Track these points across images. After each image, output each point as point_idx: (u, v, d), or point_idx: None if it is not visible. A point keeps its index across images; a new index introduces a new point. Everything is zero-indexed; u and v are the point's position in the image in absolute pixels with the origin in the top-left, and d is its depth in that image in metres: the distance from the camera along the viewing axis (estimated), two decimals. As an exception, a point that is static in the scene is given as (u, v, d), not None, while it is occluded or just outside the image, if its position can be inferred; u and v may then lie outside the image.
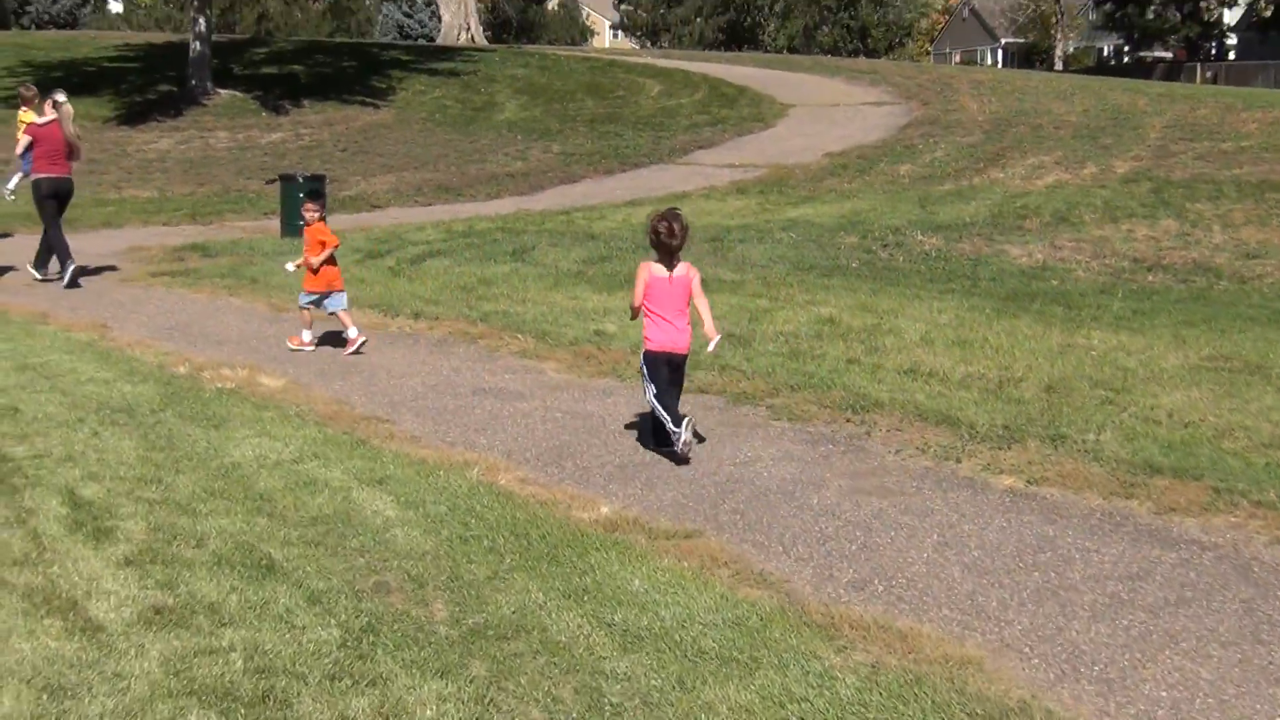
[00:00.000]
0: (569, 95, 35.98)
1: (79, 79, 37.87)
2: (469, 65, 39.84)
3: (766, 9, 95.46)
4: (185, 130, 32.07)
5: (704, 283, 9.03)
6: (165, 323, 13.39)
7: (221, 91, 35.50)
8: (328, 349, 12.06)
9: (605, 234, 19.27)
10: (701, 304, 8.74)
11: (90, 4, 74.22)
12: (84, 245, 19.14)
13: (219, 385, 10.40)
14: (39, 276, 16.18)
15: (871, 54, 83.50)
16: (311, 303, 12.09)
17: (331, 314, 12.16)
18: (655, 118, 32.95)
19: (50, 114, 16.21)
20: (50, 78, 37.74)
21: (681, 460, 8.35)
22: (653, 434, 8.75)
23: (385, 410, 9.87)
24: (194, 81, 35.46)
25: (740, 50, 75.43)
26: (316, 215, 12.10)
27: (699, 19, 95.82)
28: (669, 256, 8.56)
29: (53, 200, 16.25)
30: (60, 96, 16.36)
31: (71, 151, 16.45)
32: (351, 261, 16.83)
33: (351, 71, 39.15)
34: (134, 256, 17.96)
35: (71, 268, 15.77)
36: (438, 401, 10.15)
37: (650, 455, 8.64)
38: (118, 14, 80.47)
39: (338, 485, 7.81)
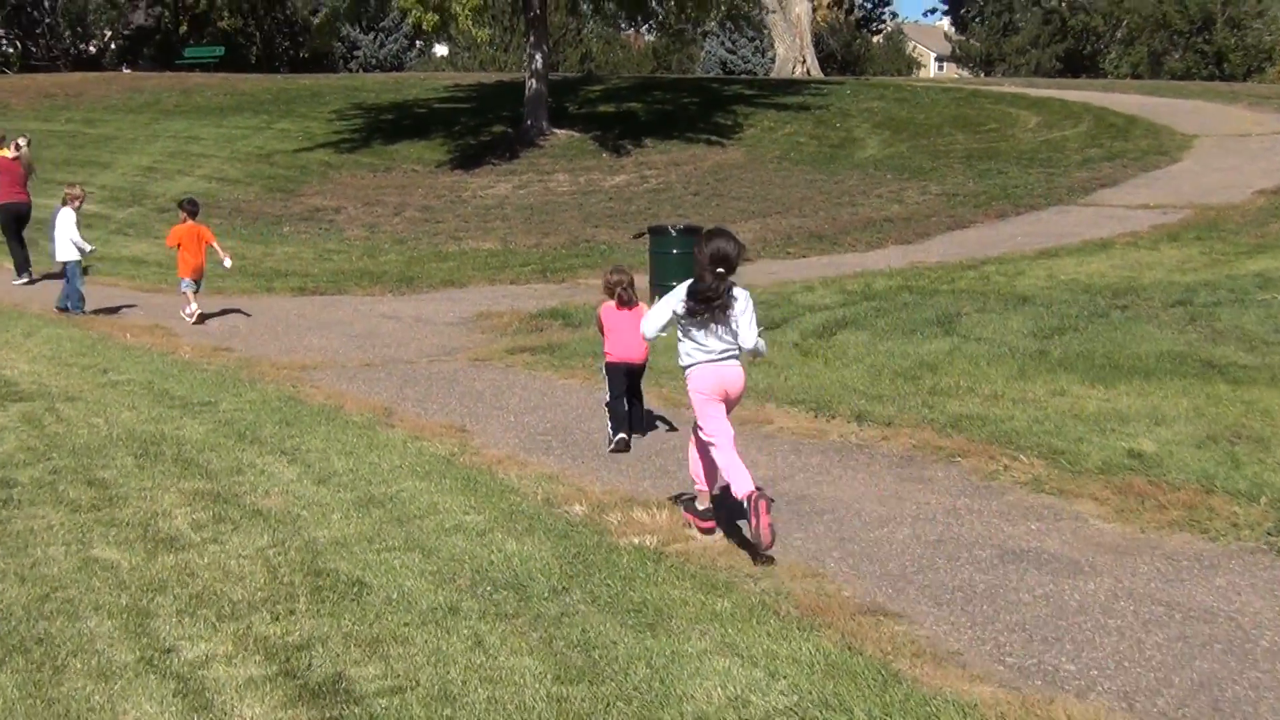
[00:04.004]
0: (935, 129, 32.42)
1: (410, 121, 36.23)
2: (818, 99, 36.64)
3: (1108, 35, 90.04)
4: (523, 174, 29.72)
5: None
6: (537, 425, 10.51)
7: (558, 131, 33.13)
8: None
9: (1038, 295, 15.75)
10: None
11: (416, 48, 74.03)
12: (427, 310, 16.67)
13: (634, 540, 7.35)
14: (19, 282, 19.63)
15: (1228, 79, 77.24)
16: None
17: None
18: (1039, 152, 29.14)
19: (14, 152, 20.02)
20: (381, 120, 36.24)
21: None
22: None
23: (886, 592, 6.66)
24: (529, 121, 33.17)
25: (1076, 78, 70.50)
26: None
27: (1034, 48, 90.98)
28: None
29: (14, 221, 19.80)
30: (22, 141, 20.44)
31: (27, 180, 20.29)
32: (744, 333, 13.77)
33: (693, 108, 36.36)
34: (484, 325, 15.28)
35: (28, 277, 19.81)
36: (954, 574, 6.89)
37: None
38: (442, 57, 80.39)
39: (890, 782, 4.63)
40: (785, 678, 5.51)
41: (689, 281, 7.32)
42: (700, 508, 7.65)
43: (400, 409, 11.05)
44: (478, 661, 5.70)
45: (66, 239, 16.54)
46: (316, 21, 43.04)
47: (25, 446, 9.52)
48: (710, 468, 7.55)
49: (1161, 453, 8.75)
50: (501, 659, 5.73)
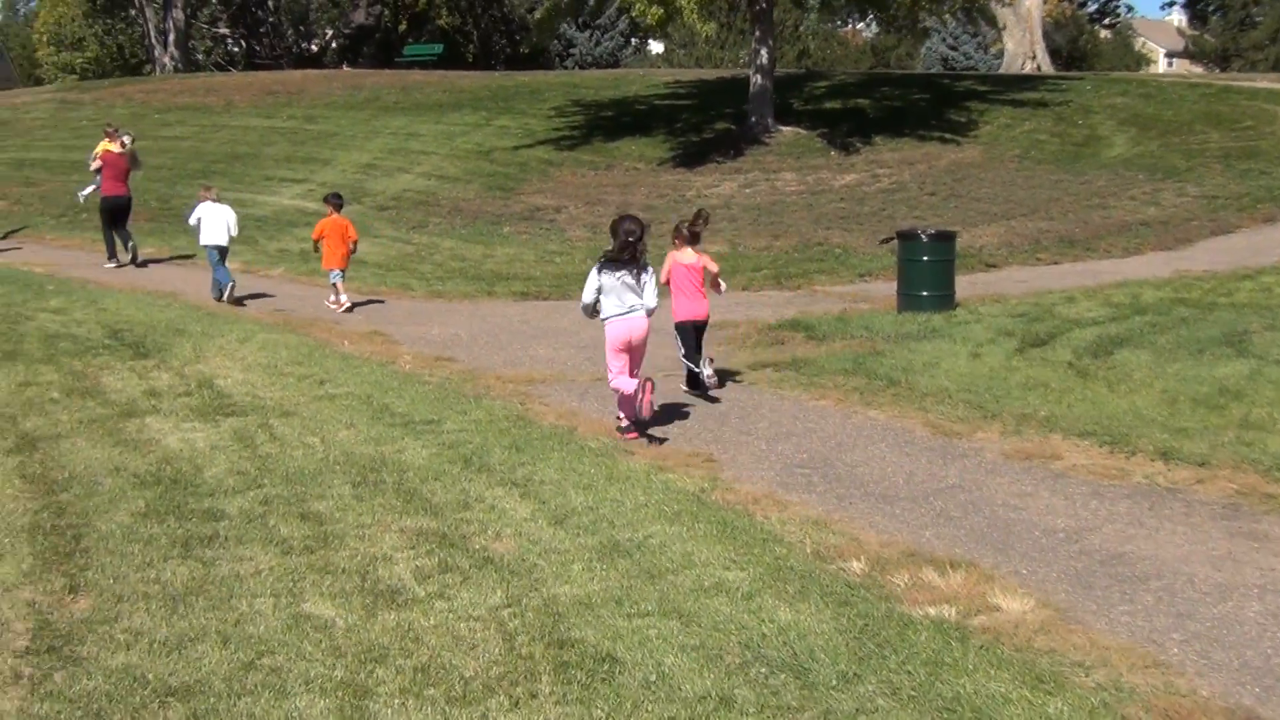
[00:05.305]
0: (1185, 127, 30.35)
1: (630, 118, 35.35)
2: (1056, 95, 34.70)
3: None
4: (748, 172, 28.57)
5: None
6: (792, 455, 9.38)
7: (783, 129, 31.90)
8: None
9: (1332, 310, 14.13)
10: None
11: (631, 45, 73.53)
12: (656, 318, 15.57)
13: (930, 611, 6.19)
14: (109, 265, 20.87)
15: None
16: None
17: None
18: (1304, 151, 27.11)
19: (120, 148, 21.24)
20: (601, 117, 35.47)
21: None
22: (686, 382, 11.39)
23: (1253, 692, 5.42)
24: (754, 118, 32.02)
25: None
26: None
27: (1272, 44, 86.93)
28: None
29: (109, 213, 21.07)
30: (127, 138, 21.62)
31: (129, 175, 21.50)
32: (1008, 350, 12.49)
33: (923, 105, 34.72)
34: (720, 336, 14.15)
35: (118, 262, 20.91)
36: (1334, 671, 5.60)
37: None
38: (658, 54, 79.73)
39: None
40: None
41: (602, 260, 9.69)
42: (622, 426, 9.93)
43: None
44: (763, 779, 4.62)
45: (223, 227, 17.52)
46: (536, 17, 42.47)
47: (236, 470, 8.72)
48: (629, 402, 9.69)
49: None
50: (791, 776, 4.64)
